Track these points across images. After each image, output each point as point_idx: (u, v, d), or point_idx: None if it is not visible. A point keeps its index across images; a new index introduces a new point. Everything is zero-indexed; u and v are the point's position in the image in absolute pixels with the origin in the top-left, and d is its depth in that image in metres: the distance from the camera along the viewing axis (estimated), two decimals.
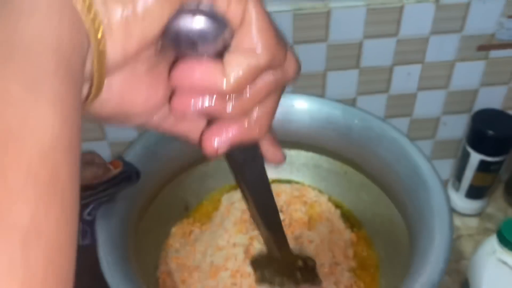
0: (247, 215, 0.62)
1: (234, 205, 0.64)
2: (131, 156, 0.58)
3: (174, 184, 0.66)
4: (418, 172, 0.55)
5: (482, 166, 0.76)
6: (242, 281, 0.54)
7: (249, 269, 0.55)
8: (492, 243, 0.60)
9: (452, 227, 0.48)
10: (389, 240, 0.61)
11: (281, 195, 0.67)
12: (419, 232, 0.51)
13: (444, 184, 0.85)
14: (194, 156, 0.66)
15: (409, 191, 0.55)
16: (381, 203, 0.63)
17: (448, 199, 0.51)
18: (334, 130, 0.64)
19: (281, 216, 0.60)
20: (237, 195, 0.67)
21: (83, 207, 0.51)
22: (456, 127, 0.81)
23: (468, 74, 0.74)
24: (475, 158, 0.76)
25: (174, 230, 0.65)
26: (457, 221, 0.83)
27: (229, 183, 0.71)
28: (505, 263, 0.58)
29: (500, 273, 0.58)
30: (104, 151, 0.80)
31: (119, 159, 0.56)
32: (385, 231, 0.62)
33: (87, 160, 0.55)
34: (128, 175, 0.54)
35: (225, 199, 0.67)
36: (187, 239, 0.63)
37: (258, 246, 0.57)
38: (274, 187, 0.65)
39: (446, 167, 0.86)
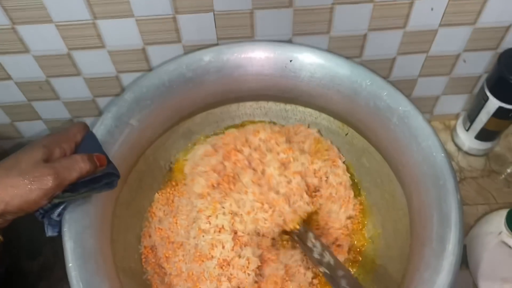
0: (213, 179, 0.56)
1: (198, 169, 0.57)
2: (101, 131, 0.51)
3: (154, 148, 0.59)
4: (431, 164, 0.48)
5: (500, 113, 0.69)
6: (231, 271, 0.51)
7: (242, 260, 0.52)
8: (498, 223, 0.56)
9: (461, 239, 0.43)
10: (387, 216, 0.57)
11: (260, 133, 0.59)
12: (424, 234, 0.46)
13: (454, 118, 0.78)
14: (174, 116, 0.58)
15: (418, 182, 0.49)
16: (383, 174, 0.57)
17: (461, 203, 0.45)
18: (338, 92, 0.55)
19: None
20: (200, 148, 0.60)
21: (53, 207, 0.45)
22: (477, 64, 0.71)
23: (502, 9, 0.62)
24: (494, 104, 0.68)
25: (157, 196, 0.60)
26: (462, 161, 0.78)
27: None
28: (509, 246, 0.55)
29: (502, 254, 0.56)
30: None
31: (103, 154, 0.49)
32: (384, 204, 0.58)
33: (76, 140, 0.48)
34: (111, 181, 0.48)
35: (191, 158, 0.60)
36: (170, 206, 0.59)
37: (241, 227, 0.53)
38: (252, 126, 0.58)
39: (459, 101, 0.78)
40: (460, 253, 0.43)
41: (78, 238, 0.44)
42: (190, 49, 0.61)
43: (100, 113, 0.73)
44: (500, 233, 0.54)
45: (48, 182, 0.41)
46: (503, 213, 0.55)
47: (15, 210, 0.42)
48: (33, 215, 0.45)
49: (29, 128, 0.76)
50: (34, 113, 0.73)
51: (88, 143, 0.49)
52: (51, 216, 0.45)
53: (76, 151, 0.48)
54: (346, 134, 0.60)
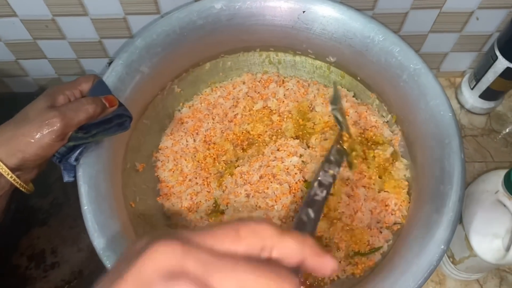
0: None
1: None
2: (112, 77, 0.51)
3: (163, 95, 0.59)
4: (438, 123, 0.49)
5: (507, 74, 0.69)
6: None
7: None
8: (496, 182, 0.57)
9: (462, 197, 0.45)
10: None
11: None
12: (425, 190, 0.48)
13: (460, 75, 0.78)
14: (184, 64, 0.58)
15: (423, 139, 0.50)
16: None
17: (464, 163, 0.46)
18: (350, 46, 0.55)
19: None
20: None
21: (69, 151, 0.46)
22: (489, 22, 0.70)
23: None
24: (502, 64, 0.68)
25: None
26: (464, 119, 0.79)
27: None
28: (504, 206, 0.57)
29: (496, 211, 0.58)
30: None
31: (113, 95, 0.49)
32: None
33: (80, 88, 0.48)
34: (122, 121, 0.48)
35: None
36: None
37: None
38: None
39: (466, 59, 0.78)
40: (459, 211, 0.44)
41: (92, 182, 0.46)
42: None
43: (106, 55, 0.72)
44: (496, 192, 0.56)
45: (55, 123, 0.43)
46: (501, 173, 0.56)
47: (33, 157, 0.43)
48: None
49: (34, 67, 0.76)
50: (39, 52, 0.72)
51: (97, 89, 0.49)
52: (68, 160, 0.46)
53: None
54: (356, 87, 0.61)
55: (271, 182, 0.55)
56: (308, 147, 0.58)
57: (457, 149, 0.46)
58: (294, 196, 0.55)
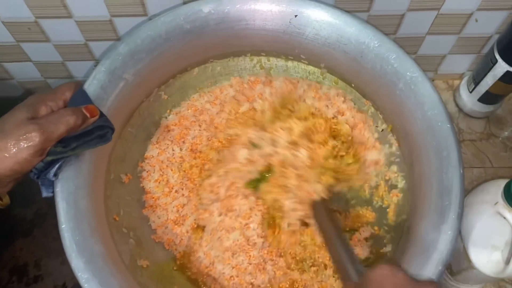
0: None
1: None
2: (94, 85, 0.48)
3: (149, 102, 0.57)
4: (436, 134, 0.46)
5: (507, 78, 0.67)
6: None
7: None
8: (495, 193, 0.55)
9: (461, 214, 0.43)
10: None
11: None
12: (423, 206, 0.46)
13: (458, 78, 0.76)
14: (171, 70, 0.56)
15: (420, 151, 0.48)
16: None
17: (463, 177, 0.44)
18: (344, 53, 0.53)
19: None
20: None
21: (47, 166, 0.44)
22: (488, 23, 0.68)
23: None
24: (502, 67, 0.66)
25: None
26: (462, 123, 0.77)
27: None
28: (504, 217, 0.55)
29: (495, 223, 0.56)
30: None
31: (94, 105, 0.46)
32: None
33: (64, 98, 0.46)
34: (104, 133, 0.46)
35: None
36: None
37: None
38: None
39: (465, 61, 0.76)
40: (458, 228, 0.42)
41: (70, 199, 0.43)
42: None
43: (93, 58, 0.70)
44: (496, 203, 0.54)
45: (34, 138, 0.40)
46: (501, 183, 0.54)
47: (9, 172, 0.41)
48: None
49: (19, 70, 0.74)
50: (23, 55, 0.70)
51: (77, 99, 0.47)
52: (46, 176, 0.44)
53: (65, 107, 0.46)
54: (350, 93, 0.59)
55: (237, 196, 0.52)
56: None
57: (455, 163, 0.44)
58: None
